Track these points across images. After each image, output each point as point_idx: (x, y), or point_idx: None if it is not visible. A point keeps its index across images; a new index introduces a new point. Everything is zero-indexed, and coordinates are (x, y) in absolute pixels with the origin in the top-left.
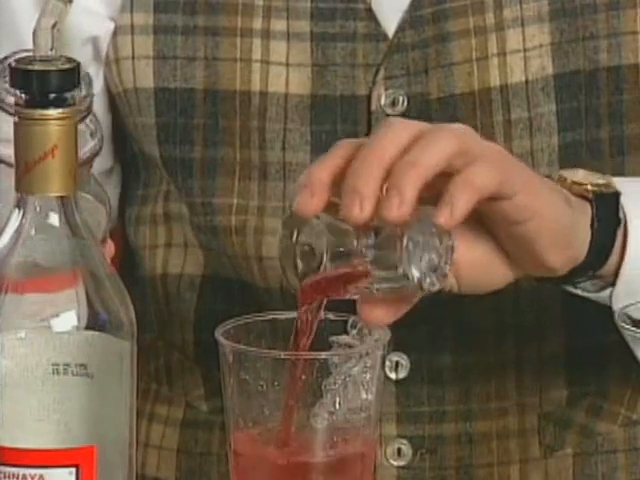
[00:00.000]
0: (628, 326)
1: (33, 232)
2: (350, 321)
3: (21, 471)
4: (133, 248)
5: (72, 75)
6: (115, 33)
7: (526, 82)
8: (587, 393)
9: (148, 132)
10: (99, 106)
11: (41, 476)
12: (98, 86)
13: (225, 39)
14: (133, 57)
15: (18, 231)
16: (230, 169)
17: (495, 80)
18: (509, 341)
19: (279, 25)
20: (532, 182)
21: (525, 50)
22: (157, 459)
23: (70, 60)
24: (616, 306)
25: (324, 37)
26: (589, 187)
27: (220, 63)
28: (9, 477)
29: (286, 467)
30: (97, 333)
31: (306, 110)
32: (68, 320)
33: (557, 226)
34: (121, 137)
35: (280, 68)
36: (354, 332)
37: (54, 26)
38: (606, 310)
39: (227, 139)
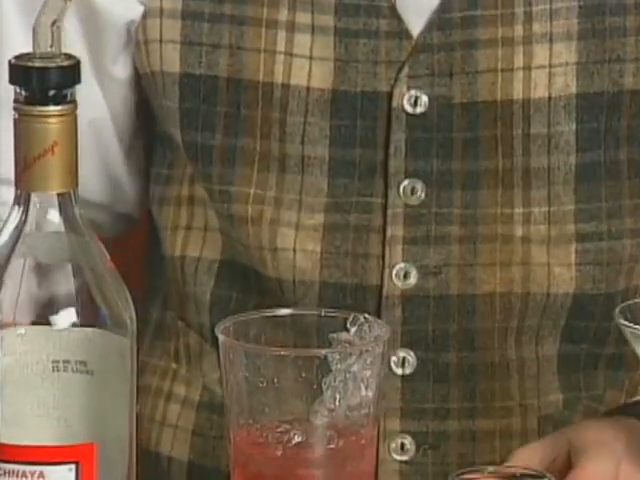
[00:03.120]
0: (629, 323)
1: (33, 229)
2: (350, 318)
3: (21, 468)
4: (156, 226)
5: (72, 72)
6: (144, 15)
7: (549, 98)
8: (581, 397)
9: (172, 115)
10: (128, 89)
11: (41, 473)
12: (127, 70)
13: (250, 29)
14: (161, 40)
15: (18, 228)
16: (249, 159)
17: (518, 93)
18: (510, 343)
19: (304, 18)
20: None
21: (551, 66)
22: (172, 438)
23: (70, 57)
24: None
25: (347, 33)
26: None
27: (244, 52)
28: (9, 474)
29: (286, 464)
30: (97, 330)
31: (327, 104)
32: (68, 317)
33: None
34: (149, 117)
35: (303, 61)
36: (354, 329)
37: (54, 23)
38: (603, 323)
39: (248, 129)
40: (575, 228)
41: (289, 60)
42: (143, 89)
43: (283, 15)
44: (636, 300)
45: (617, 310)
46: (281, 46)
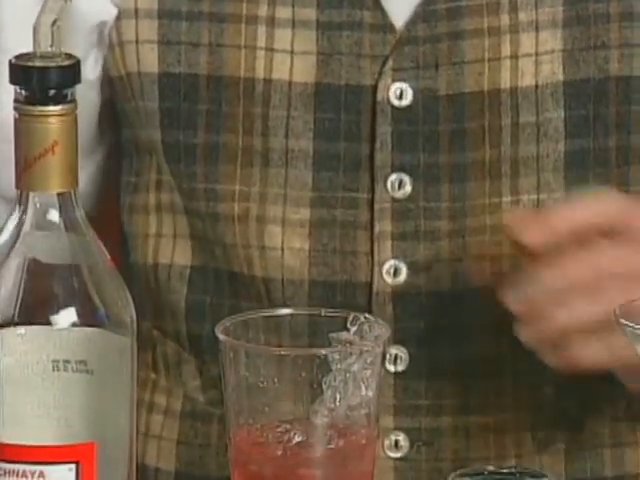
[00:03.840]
0: (630, 323)
1: (33, 228)
2: (350, 318)
3: (21, 467)
4: (127, 235)
5: (72, 71)
6: (119, 17)
7: (536, 87)
8: (574, 389)
9: (151, 116)
10: (94, 91)
11: (41, 472)
12: (97, 72)
13: (230, 25)
14: (137, 41)
15: (18, 227)
16: (232, 155)
17: (505, 82)
18: (505, 338)
19: (284, 13)
20: None
21: (537, 54)
22: (157, 449)
23: (70, 57)
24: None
25: (330, 25)
26: None
27: (224, 49)
28: (9, 473)
29: (286, 463)
30: (97, 329)
31: (310, 98)
32: (68, 317)
33: None
34: (113, 123)
35: (285, 55)
36: (354, 329)
37: (54, 23)
38: None
39: (230, 125)
40: None
41: (270, 55)
42: (109, 93)
43: (263, 10)
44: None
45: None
46: (262, 41)
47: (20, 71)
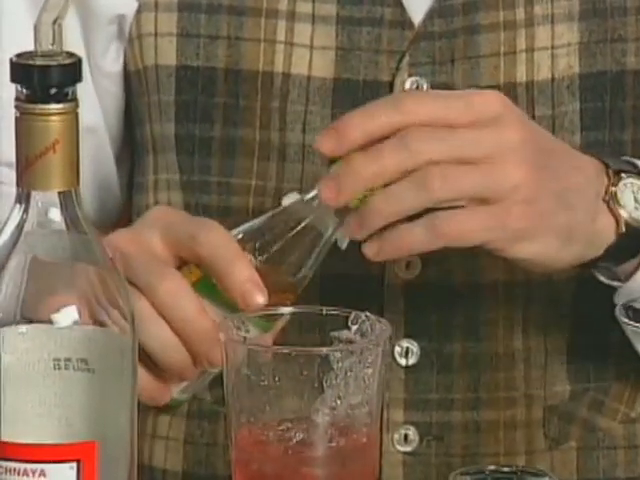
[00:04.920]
0: (630, 321)
1: (34, 227)
2: (351, 316)
3: (22, 466)
4: None
5: (73, 70)
6: (139, 10)
7: (552, 80)
8: (588, 389)
9: (165, 110)
10: (117, 85)
11: (42, 471)
12: (118, 66)
13: (249, 19)
14: (156, 34)
15: (19, 226)
16: (249, 149)
17: (522, 76)
18: (517, 333)
19: (304, 7)
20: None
21: (553, 48)
22: (164, 450)
23: (71, 55)
24: (619, 301)
25: (350, 21)
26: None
27: (243, 43)
28: (10, 472)
29: (288, 462)
30: (98, 328)
31: (328, 93)
32: (69, 315)
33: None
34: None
35: (304, 50)
36: (355, 327)
37: (55, 21)
38: (610, 308)
39: (247, 119)
40: None
41: (289, 50)
42: (128, 91)
43: (283, 5)
44: (637, 298)
45: (618, 308)
46: (281, 36)
47: (21, 69)
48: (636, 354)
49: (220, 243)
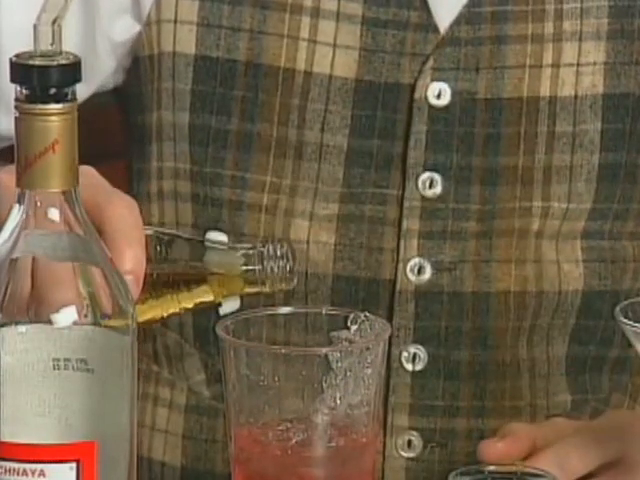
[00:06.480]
0: (629, 322)
1: (34, 227)
2: (351, 316)
3: (22, 466)
4: None
5: (73, 70)
6: None
7: (575, 97)
8: (588, 400)
9: (180, 98)
10: (113, 55)
11: (42, 471)
12: (122, 37)
13: (273, 13)
14: (176, 21)
15: (19, 226)
16: (266, 145)
17: (545, 90)
18: (522, 343)
19: (330, 5)
20: None
21: (579, 65)
22: (163, 444)
23: (71, 55)
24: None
25: (376, 22)
26: None
27: (265, 37)
28: (9, 472)
29: (287, 462)
30: (98, 328)
31: (349, 94)
32: (68, 315)
33: None
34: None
35: (327, 49)
36: (355, 327)
37: (55, 21)
38: (609, 323)
39: (265, 114)
40: (584, 225)
41: (312, 47)
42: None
43: (308, 1)
44: (637, 299)
45: (618, 308)
46: (305, 32)
47: (21, 70)
48: (633, 366)
49: (121, 227)
